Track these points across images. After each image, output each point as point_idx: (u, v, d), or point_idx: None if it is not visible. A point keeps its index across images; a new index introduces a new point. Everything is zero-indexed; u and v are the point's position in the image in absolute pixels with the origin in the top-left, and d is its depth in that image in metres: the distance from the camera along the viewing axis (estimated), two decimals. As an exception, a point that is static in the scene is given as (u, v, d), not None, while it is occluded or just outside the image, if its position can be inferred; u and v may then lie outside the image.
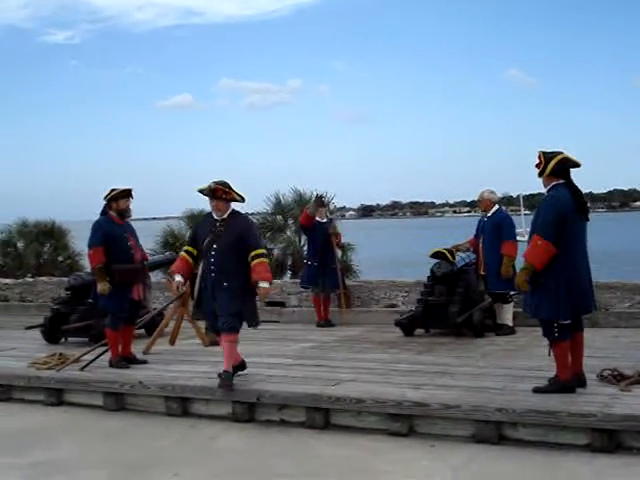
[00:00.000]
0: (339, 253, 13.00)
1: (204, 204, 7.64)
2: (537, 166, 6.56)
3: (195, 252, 7.32)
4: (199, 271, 7.26)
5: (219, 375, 7.22)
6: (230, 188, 7.19)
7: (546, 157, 6.50)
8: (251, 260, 7.04)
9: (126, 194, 8.66)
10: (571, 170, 6.55)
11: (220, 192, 7.08)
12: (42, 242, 19.65)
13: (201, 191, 7.17)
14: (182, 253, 7.48)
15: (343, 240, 16.21)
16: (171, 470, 5.82)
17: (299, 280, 12.15)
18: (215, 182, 7.14)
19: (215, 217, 7.21)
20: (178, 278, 7.33)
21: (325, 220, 11.68)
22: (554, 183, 6.49)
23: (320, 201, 11.79)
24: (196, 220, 17.74)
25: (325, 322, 11.44)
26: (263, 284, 7.01)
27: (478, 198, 10.47)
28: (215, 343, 9.73)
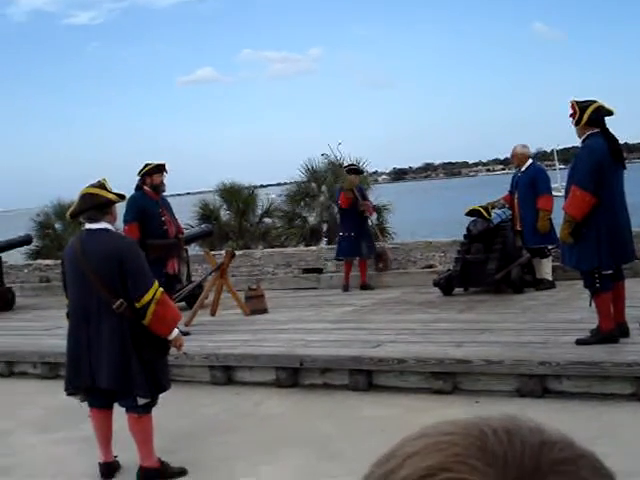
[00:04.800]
0: (375, 216, 13.07)
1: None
2: (572, 116, 6.46)
3: None
4: None
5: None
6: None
7: (580, 106, 6.39)
8: None
9: (160, 169, 8.70)
10: (605, 119, 6.46)
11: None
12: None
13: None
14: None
15: (376, 202, 16.17)
16: (219, 437, 5.92)
17: (335, 252, 11.98)
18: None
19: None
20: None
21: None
22: (589, 132, 6.39)
23: (354, 170, 11.88)
24: (230, 193, 17.79)
25: (363, 285, 11.45)
26: None
27: (511, 154, 10.34)
28: (256, 312, 9.85)
